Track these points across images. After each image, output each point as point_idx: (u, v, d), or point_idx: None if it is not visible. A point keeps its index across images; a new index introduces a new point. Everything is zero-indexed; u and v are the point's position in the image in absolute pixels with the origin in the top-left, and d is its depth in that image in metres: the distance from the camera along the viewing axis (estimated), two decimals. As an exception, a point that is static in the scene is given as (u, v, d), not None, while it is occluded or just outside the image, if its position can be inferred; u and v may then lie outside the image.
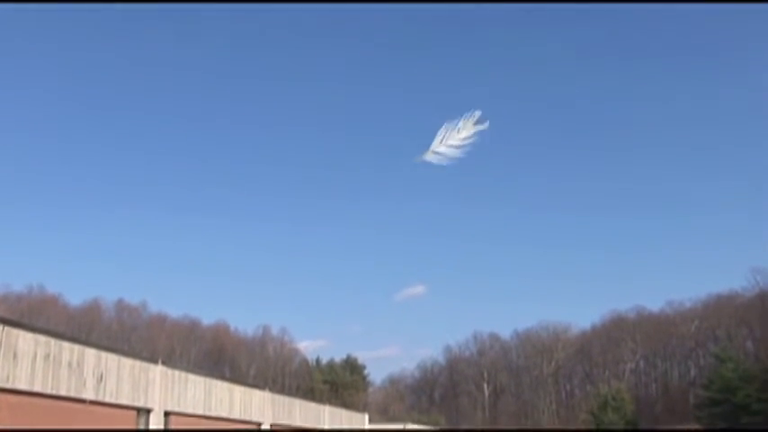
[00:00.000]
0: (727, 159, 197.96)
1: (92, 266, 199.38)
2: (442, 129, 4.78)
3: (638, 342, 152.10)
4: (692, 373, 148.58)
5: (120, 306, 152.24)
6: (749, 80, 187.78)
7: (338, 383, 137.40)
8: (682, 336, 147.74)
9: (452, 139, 4.61)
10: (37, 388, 16.27)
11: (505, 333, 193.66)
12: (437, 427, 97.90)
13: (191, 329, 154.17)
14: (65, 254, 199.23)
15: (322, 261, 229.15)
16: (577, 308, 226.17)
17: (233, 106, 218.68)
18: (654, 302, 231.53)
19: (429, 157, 4.75)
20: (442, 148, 4.73)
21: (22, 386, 15.79)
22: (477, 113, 4.77)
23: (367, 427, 50.76)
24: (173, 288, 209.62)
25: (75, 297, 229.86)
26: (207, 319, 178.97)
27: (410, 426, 68.99)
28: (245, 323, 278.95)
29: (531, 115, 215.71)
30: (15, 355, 15.57)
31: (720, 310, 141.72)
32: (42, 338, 16.62)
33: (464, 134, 4.75)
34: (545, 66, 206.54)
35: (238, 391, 28.53)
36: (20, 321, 18.08)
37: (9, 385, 15.34)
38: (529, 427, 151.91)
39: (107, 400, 19.11)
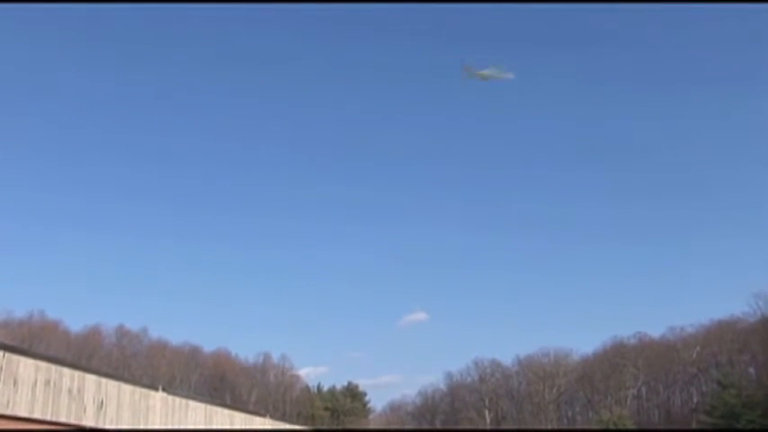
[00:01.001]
0: (726, 183, 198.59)
1: (92, 293, 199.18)
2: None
3: (640, 368, 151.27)
4: (695, 399, 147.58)
5: (121, 332, 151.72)
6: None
7: (339, 410, 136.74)
8: (684, 362, 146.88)
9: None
10: (37, 414, 16.13)
11: (507, 359, 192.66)
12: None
13: (191, 356, 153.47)
14: (65, 280, 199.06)
15: (324, 288, 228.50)
16: (579, 334, 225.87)
17: (237, 124, 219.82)
18: (655, 328, 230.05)
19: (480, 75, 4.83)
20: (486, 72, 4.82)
21: (22, 413, 15.65)
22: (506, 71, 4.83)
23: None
24: (173, 315, 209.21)
25: (75, 323, 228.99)
26: (208, 345, 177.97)
27: None
28: (245, 350, 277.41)
29: (530, 137, 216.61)
30: (15, 382, 15.46)
31: (722, 335, 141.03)
32: (43, 365, 16.51)
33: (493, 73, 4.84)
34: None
35: (239, 417, 28.28)
36: (20, 347, 17.97)
37: (9, 411, 15.20)
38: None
39: (107, 426, 18.95)
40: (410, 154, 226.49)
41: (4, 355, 15.20)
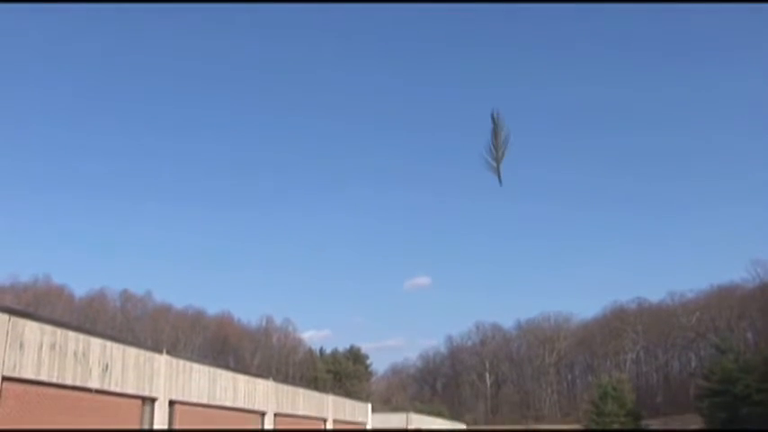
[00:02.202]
0: (729, 153, 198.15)
1: (97, 257, 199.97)
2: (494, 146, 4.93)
3: (640, 333, 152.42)
4: (693, 363, 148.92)
5: (125, 296, 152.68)
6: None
7: (341, 373, 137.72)
8: (682, 327, 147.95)
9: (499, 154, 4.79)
10: (43, 377, 16.53)
11: (507, 324, 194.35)
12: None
13: (195, 320, 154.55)
14: (70, 245, 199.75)
15: (328, 252, 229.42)
16: (579, 299, 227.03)
17: (238, 96, 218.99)
18: (655, 294, 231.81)
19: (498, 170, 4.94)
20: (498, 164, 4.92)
21: (29, 375, 16.05)
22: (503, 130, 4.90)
23: (370, 415, 51.09)
24: (177, 279, 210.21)
25: (80, 288, 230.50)
26: (211, 309, 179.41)
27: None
28: (248, 314, 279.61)
29: (536, 108, 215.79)
30: (22, 345, 15.83)
31: (721, 301, 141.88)
32: (48, 328, 16.88)
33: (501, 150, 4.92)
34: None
35: (242, 380, 28.78)
36: (26, 311, 18.34)
37: (15, 374, 15.60)
38: (530, 415, 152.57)
39: (112, 389, 19.38)
40: (415, 120, 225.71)
41: (9, 319, 15.55)
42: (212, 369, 26.09)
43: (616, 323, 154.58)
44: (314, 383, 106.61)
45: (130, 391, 20.37)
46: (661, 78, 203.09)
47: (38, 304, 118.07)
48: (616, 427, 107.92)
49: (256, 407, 29.94)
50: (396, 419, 67.18)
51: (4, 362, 15.24)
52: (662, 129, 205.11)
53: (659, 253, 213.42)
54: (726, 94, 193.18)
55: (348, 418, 44.72)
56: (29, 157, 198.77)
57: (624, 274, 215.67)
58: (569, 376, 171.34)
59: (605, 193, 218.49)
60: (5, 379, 15.27)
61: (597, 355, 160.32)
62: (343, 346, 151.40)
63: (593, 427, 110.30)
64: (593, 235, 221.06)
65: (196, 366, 24.82)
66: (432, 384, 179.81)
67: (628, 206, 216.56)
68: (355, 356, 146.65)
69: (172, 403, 22.74)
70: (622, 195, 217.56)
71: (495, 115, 4.71)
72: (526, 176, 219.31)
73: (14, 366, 15.55)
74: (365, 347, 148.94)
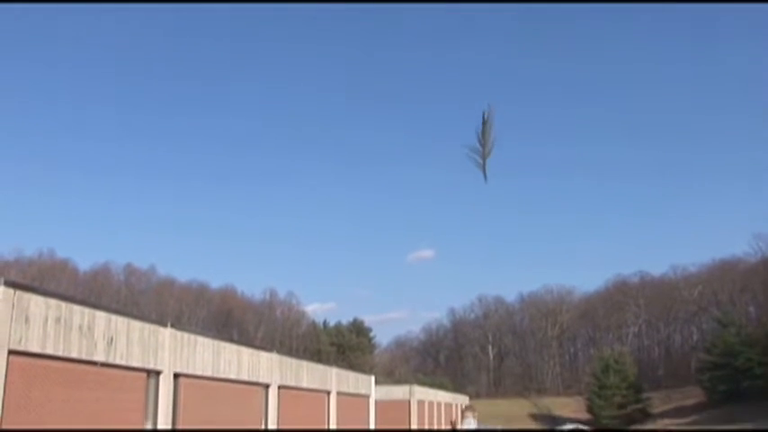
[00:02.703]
0: (731, 125, 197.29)
1: (101, 231, 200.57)
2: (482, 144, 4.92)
3: (642, 306, 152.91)
4: (695, 337, 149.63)
5: (129, 270, 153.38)
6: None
7: (345, 346, 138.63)
8: (685, 300, 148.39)
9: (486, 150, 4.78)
10: (49, 350, 16.65)
11: (510, 297, 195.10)
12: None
13: (199, 293, 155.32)
14: (74, 219, 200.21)
15: (331, 225, 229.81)
16: (582, 272, 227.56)
17: (239, 71, 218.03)
18: (657, 267, 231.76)
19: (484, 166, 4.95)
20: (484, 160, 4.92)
21: (34, 349, 16.17)
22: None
23: (373, 388, 51.42)
24: (181, 252, 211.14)
25: (84, 262, 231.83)
26: (215, 282, 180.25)
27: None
28: (252, 287, 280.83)
29: (536, 79, 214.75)
30: (27, 319, 15.94)
31: (723, 275, 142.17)
32: (53, 302, 16.97)
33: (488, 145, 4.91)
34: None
35: (246, 353, 28.96)
36: (31, 285, 18.43)
37: (21, 348, 15.71)
38: (533, 388, 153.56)
39: (117, 362, 19.53)
40: (418, 95, 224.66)
41: (15, 293, 15.64)
42: (216, 342, 26.24)
43: (618, 296, 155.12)
44: (317, 356, 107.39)
45: (135, 364, 20.51)
46: (665, 51, 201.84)
47: (42, 278, 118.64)
48: (617, 399, 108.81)
49: (260, 379, 30.15)
50: (399, 391, 67.68)
51: (9, 336, 15.36)
52: (666, 102, 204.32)
53: (662, 226, 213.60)
54: (732, 69, 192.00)
55: (352, 391, 45.04)
56: (30, 132, 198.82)
57: (627, 247, 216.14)
58: (571, 349, 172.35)
59: (608, 166, 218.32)
60: (12, 353, 15.40)
61: (599, 328, 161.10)
62: (346, 319, 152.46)
63: (595, 399, 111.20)
64: (595, 208, 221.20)
65: (200, 339, 24.96)
66: (435, 357, 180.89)
67: (631, 179, 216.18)
68: (358, 329, 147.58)
69: (177, 376, 22.91)
70: (625, 168, 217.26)
71: (486, 112, 4.70)
72: (529, 150, 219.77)
73: (20, 340, 15.67)
74: (368, 320, 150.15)
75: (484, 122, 4.72)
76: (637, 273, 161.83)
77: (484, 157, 4.72)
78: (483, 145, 4.69)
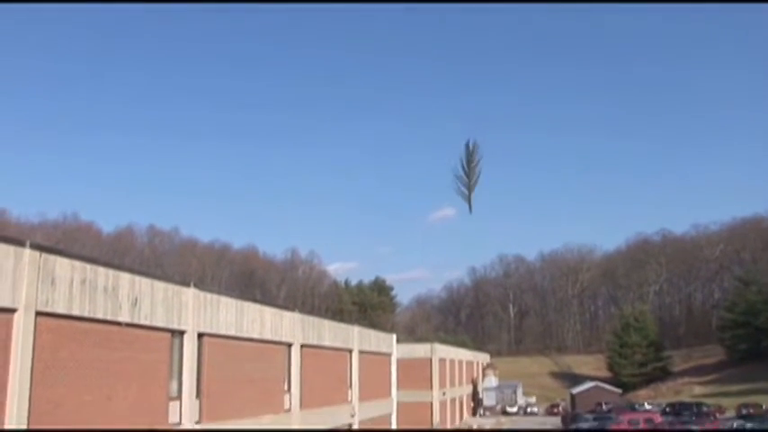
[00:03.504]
0: (755, 85, 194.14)
1: (124, 194, 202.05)
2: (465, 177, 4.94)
3: (663, 265, 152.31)
4: (716, 295, 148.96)
5: (152, 232, 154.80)
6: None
7: (366, 305, 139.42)
8: (706, 259, 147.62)
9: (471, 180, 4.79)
10: (75, 312, 16.96)
11: (531, 255, 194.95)
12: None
13: (221, 254, 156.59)
14: (98, 182, 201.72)
15: (353, 184, 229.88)
16: (603, 230, 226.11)
17: (268, 31, 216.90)
18: (679, 226, 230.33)
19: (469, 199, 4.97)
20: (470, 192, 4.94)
21: (61, 310, 16.48)
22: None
23: (395, 346, 51.85)
24: (203, 213, 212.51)
25: (108, 224, 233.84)
26: (237, 243, 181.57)
27: None
28: (274, 247, 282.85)
29: (559, 39, 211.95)
30: (53, 281, 16.22)
31: (745, 233, 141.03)
32: (78, 264, 17.24)
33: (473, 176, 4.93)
34: None
35: (269, 312, 29.28)
36: (56, 248, 18.70)
37: (48, 309, 16.03)
38: (553, 346, 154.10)
39: (142, 322, 19.86)
40: (440, 52, 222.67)
41: (41, 256, 15.90)
42: (239, 302, 26.53)
43: (639, 255, 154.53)
44: (339, 315, 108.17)
45: (160, 324, 20.84)
46: (688, 8, 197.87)
47: (67, 241, 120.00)
48: (638, 358, 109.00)
49: (283, 338, 30.52)
50: (420, 350, 68.29)
51: (37, 298, 15.65)
52: (688, 61, 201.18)
53: (684, 185, 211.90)
54: (750, 24, 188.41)
55: (373, 349, 45.47)
56: (53, 96, 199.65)
57: (648, 206, 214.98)
58: (592, 308, 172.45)
59: (630, 124, 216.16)
60: (39, 314, 15.71)
61: (620, 287, 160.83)
62: (368, 279, 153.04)
63: (616, 358, 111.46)
64: (617, 166, 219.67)
65: (223, 299, 25.26)
66: (456, 315, 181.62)
67: (653, 138, 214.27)
68: (380, 288, 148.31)
69: (200, 335, 23.26)
70: (648, 127, 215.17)
71: (470, 145, 4.71)
72: (551, 108, 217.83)
73: (47, 302, 15.97)
74: (390, 279, 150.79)
75: (469, 152, 4.74)
76: (658, 231, 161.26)
77: (470, 189, 4.74)
78: (469, 176, 4.71)
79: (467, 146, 4.59)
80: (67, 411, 16.62)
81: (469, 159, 4.59)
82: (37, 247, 15.95)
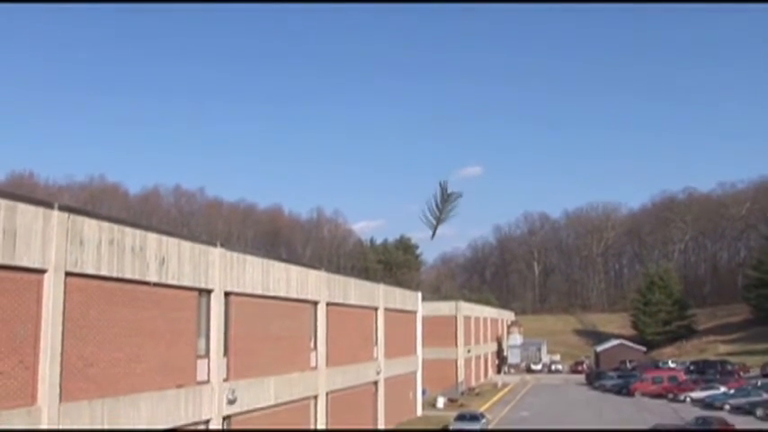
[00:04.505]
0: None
1: (150, 155, 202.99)
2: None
3: (688, 223, 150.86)
4: (742, 254, 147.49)
5: (178, 192, 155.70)
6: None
7: (392, 263, 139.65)
8: (732, 217, 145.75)
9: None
10: (103, 272, 17.21)
11: (556, 213, 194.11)
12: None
13: (247, 213, 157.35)
14: (124, 143, 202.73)
15: (378, 142, 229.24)
16: (628, 188, 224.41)
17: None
18: (705, 184, 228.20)
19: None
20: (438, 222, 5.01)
21: (90, 270, 16.72)
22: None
23: (420, 304, 52.14)
24: (228, 173, 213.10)
25: (134, 185, 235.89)
26: (262, 202, 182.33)
27: None
28: (299, 206, 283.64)
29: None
30: (82, 242, 16.44)
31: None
32: (106, 225, 17.45)
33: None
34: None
35: (295, 271, 29.51)
36: (84, 209, 18.93)
37: (78, 270, 16.27)
38: (578, 304, 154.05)
39: (170, 281, 20.11)
40: (467, 8, 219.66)
41: (69, 217, 16.10)
42: (265, 260, 26.74)
43: (665, 213, 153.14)
44: (365, 274, 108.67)
45: (187, 283, 21.10)
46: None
47: (94, 203, 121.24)
48: (662, 316, 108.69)
49: (309, 296, 30.79)
50: (445, 307, 68.64)
51: (66, 258, 15.88)
52: (713, 19, 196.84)
53: (710, 142, 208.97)
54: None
55: (399, 307, 45.78)
56: (79, 59, 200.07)
57: (673, 163, 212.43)
58: (617, 266, 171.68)
59: (656, 82, 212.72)
60: (68, 274, 15.95)
61: (645, 245, 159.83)
62: (393, 237, 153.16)
63: (640, 316, 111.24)
64: (642, 124, 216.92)
65: (249, 258, 25.47)
66: (480, 273, 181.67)
67: (679, 95, 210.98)
68: (405, 246, 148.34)
69: (227, 294, 23.53)
70: (673, 85, 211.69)
71: (443, 185, 4.83)
72: (576, 66, 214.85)
73: (76, 262, 16.20)
74: (415, 237, 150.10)
75: (444, 194, 4.85)
76: (684, 189, 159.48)
77: (438, 222, 4.87)
78: (440, 212, 4.84)
79: (440, 185, 4.76)
80: (99, 369, 16.97)
81: (443, 199, 4.73)
82: (65, 208, 16.14)
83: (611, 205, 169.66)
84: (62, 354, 15.58)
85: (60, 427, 15.36)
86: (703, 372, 72.51)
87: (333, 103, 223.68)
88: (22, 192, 17.62)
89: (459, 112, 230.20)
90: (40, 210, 15.31)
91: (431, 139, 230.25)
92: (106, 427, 16.92)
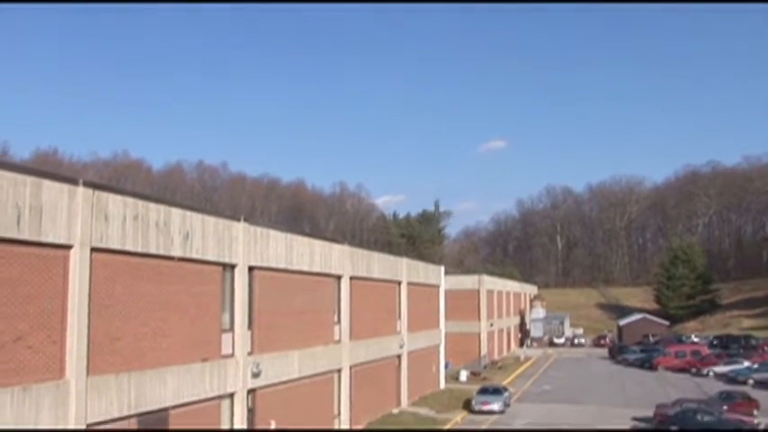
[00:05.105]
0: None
1: (173, 130, 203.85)
2: None
3: (712, 197, 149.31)
4: (767, 228, 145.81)
5: (201, 168, 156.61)
6: None
7: (415, 237, 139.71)
8: (757, 191, 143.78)
9: None
10: (128, 247, 17.34)
11: (579, 187, 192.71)
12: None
13: (270, 188, 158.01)
14: (147, 119, 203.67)
15: (402, 116, 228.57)
16: (651, 162, 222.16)
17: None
18: (730, 157, 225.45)
19: None
20: None
21: (115, 246, 16.85)
22: None
23: (443, 277, 52.13)
24: (251, 148, 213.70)
25: (158, 161, 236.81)
26: (285, 177, 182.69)
27: None
28: (322, 181, 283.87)
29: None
30: (106, 217, 16.55)
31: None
32: (130, 201, 17.55)
33: None
34: None
35: (318, 245, 29.56)
36: (108, 185, 19.04)
37: (103, 245, 16.40)
38: (601, 278, 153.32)
39: (194, 256, 20.23)
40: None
41: (93, 193, 16.21)
42: (289, 235, 26.81)
43: (689, 187, 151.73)
44: (388, 248, 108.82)
45: (211, 258, 21.22)
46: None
47: (118, 179, 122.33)
48: (686, 290, 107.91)
49: (332, 271, 30.88)
50: (468, 281, 68.64)
51: (91, 234, 16.02)
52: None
53: (734, 116, 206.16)
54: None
55: (422, 281, 45.82)
56: (100, 38, 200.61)
57: (697, 137, 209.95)
58: (640, 240, 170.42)
59: (680, 55, 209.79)
60: (94, 250, 16.10)
61: (668, 219, 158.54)
62: (416, 211, 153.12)
63: (664, 290, 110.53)
64: (666, 97, 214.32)
65: (273, 233, 25.54)
66: (503, 247, 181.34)
67: (703, 69, 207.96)
68: (428, 220, 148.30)
69: (251, 269, 23.64)
70: (698, 58, 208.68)
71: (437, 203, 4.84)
72: (601, 41, 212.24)
73: (101, 237, 16.34)
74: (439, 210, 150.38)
75: (437, 211, 4.85)
76: (708, 163, 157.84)
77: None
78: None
79: (435, 204, 4.77)
80: (125, 344, 17.18)
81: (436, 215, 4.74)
82: (90, 184, 16.25)
83: (635, 179, 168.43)
84: (89, 328, 15.77)
85: (87, 400, 15.60)
86: (727, 346, 72.09)
87: (355, 78, 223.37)
88: (47, 169, 17.71)
89: (483, 86, 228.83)
90: (66, 186, 15.42)
91: (454, 113, 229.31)
92: (132, 400, 17.15)
